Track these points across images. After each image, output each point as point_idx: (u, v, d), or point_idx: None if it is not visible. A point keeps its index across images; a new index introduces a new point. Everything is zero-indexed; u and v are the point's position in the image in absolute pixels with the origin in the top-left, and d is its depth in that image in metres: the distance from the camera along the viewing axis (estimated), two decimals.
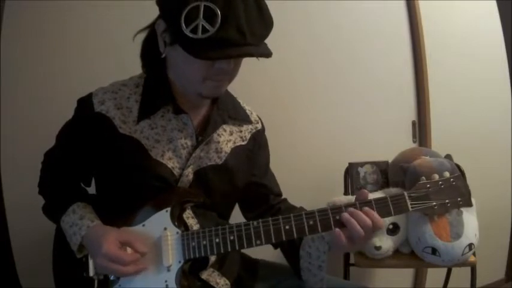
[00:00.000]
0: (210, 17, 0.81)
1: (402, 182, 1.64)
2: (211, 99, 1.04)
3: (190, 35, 0.82)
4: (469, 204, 0.90)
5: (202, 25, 0.81)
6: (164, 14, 0.90)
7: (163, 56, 0.94)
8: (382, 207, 0.89)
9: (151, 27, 0.98)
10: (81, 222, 0.96)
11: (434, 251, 1.52)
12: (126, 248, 0.91)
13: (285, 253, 1.09)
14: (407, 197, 0.89)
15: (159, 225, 0.94)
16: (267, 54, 0.87)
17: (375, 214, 0.88)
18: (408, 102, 2.16)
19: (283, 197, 1.20)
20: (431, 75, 2.13)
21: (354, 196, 1.63)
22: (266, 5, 0.88)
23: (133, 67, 1.05)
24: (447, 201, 0.90)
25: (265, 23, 0.87)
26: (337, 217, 0.89)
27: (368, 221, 0.87)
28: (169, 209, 0.95)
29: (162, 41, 0.93)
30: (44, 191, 1.10)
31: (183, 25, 0.82)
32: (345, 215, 0.88)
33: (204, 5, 0.81)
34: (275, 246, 1.08)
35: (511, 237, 2.44)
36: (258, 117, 1.17)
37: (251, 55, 0.85)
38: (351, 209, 0.88)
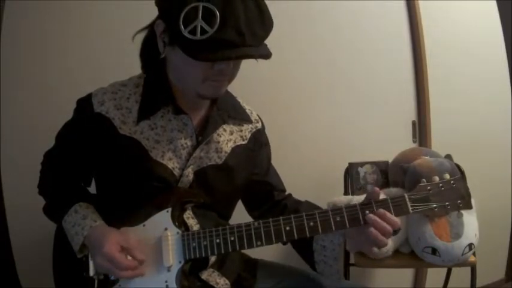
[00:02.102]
0: (208, 18, 0.80)
1: (402, 182, 1.64)
2: (211, 99, 1.04)
3: (189, 37, 0.81)
4: (469, 206, 0.90)
5: (201, 26, 0.80)
6: (163, 15, 0.90)
7: (163, 56, 0.94)
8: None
9: (151, 27, 0.97)
10: (83, 222, 0.96)
11: (434, 251, 1.52)
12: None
13: (297, 247, 1.08)
14: (407, 199, 0.89)
15: (159, 226, 0.94)
16: (266, 55, 0.87)
17: (392, 217, 0.88)
18: (408, 102, 2.15)
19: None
20: (431, 75, 2.13)
21: (354, 196, 1.66)
22: (266, 6, 0.88)
23: (134, 67, 1.05)
24: (447, 203, 0.90)
25: (265, 24, 0.87)
26: (338, 218, 0.89)
27: (388, 227, 0.87)
28: (169, 209, 0.95)
29: (161, 41, 0.92)
30: (44, 192, 1.10)
31: (182, 26, 0.81)
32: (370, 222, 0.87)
33: (203, 6, 0.80)
34: (284, 242, 1.08)
35: (511, 237, 2.45)
36: (258, 116, 1.17)
37: (250, 57, 0.85)
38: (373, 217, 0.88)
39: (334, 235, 0.99)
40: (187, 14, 0.81)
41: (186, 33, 0.81)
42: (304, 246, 1.05)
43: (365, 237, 0.88)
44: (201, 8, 0.80)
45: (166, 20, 0.88)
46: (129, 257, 0.90)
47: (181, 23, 0.81)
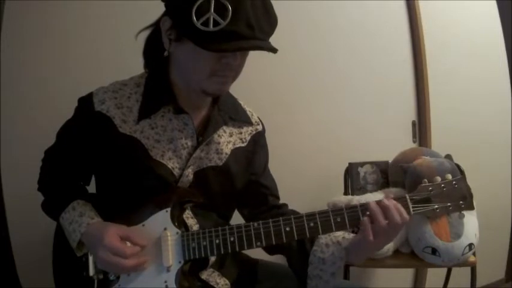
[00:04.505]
0: (220, 11, 0.82)
1: (402, 182, 1.64)
2: (212, 99, 1.04)
3: (202, 28, 0.83)
4: (470, 207, 0.90)
5: (214, 18, 0.82)
6: (172, 10, 0.90)
7: (167, 53, 0.94)
8: None
9: (155, 26, 0.98)
10: (80, 219, 0.95)
11: (434, 251, 1.52)
12: (126, 242, 0.91)
13: (291, 259, 1.05)
14: (409, 200, 0.89)
15: (159, 226, 0.94)
16: (274, 49, 0.88)
17: (402, 209, 0.88)
18: (408, 102, 2.16)
19: (283, 201, 1.18)
20: (431, 75, 2.13)
21: (354, 196, 1.66)
22: (271, 5, 0.89)
23: (134, 67, 1.05)
24: (449, 204, 0.90)
25: (271, 20, 0.89)
26: (338, 219, 0.89)
27: (397, 214, 0.87)
28: (169, 209, 0.95)
29: (166, 38, 0.93)
30: (43, 188, 1.10)
31: (194, 18, 0.83)
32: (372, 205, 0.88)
33: (215, 0, 0.82)
34: (270, 252, 1.07)
35: (511, 237, 2.45)
36: (259, 118, 1.17)
37: (260, 48, 0.86)
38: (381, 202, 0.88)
39: (336, 247, 0.97)
40: (199, 8, 0.83)
41: (198, 25, 0.83)
42: (299, 258, 1.02)
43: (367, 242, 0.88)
44: (213, 1, 0.82)
45: (176, 15, 0.89)
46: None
47: (193, 15, 0.83)
